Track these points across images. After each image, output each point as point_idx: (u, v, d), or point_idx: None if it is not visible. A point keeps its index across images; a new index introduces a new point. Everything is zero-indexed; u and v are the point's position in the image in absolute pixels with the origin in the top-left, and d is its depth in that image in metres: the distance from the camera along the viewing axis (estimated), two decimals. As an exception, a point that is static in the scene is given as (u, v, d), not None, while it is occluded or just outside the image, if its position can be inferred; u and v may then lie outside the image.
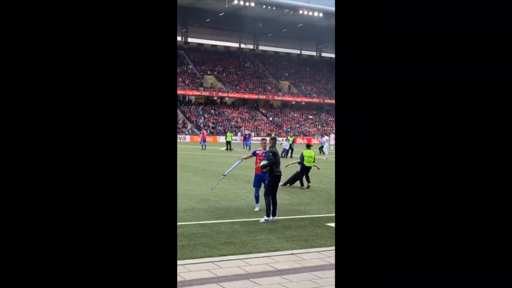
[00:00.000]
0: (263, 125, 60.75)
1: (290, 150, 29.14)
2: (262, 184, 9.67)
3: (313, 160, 14.57)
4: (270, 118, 63.36)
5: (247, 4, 55.20)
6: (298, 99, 68.19)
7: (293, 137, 34.89)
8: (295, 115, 66.83)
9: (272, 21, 62.64)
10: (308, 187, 14.15)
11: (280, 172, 9.05)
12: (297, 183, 14.66)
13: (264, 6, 57.68)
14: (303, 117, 66.98)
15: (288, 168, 14.98)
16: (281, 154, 29.79)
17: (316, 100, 69.33)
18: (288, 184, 14.31)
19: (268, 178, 9.00)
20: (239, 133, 49.42)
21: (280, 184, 14.19)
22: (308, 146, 15.48)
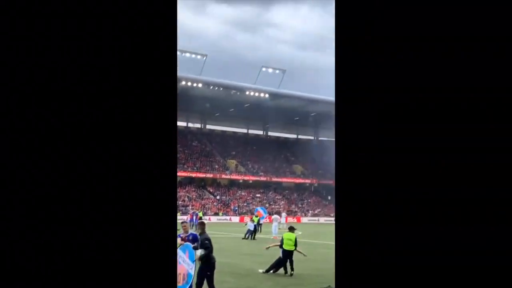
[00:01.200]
0: (210, 203, 60.81)
1: (255, 231, 28.35)
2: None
3: (293, 243, 13.14)
4: (218, 197, 63.43)
5: (194, 85, 56.20)
6: (246, 178, 68.43)
7: (258, 217, 33.63)
8: (243, 193, 67.09)
9: (219, 101, 63.58)
10: (291, 274, 12.71)
11: (215, 259, 8.13)
12: (282, 269, 13.16)
13: (211, 87, 58.62)
14: (251, 195, 67.13)
15: (269, 251, 13.89)
16: (245, 236, 29.01)
17: (263, 178, 69.98)
18: (272, 271, 13.01)
19: (204, 267, 7.86)
20: (189, 213, 49.29)
21: (261, 271, 13.44)
22: (291, 228, 14.14)
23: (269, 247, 14.89)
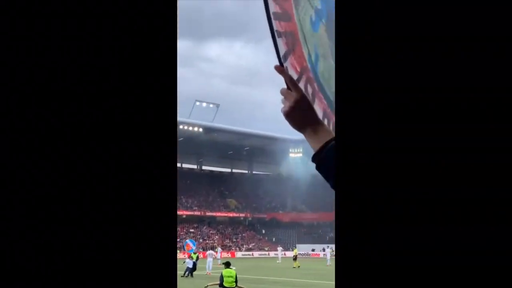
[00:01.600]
0: (142, 240, 60.61)
1: (194, 269, 27.47)
2: None
3: (234, 280, 12.65)
4: (150, 233, 63.20)
5: (126, 119, 56.21)
6: (179, 212, 67.65)
7: (197, 253, 32.44)
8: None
9: (152, 135, 63.61)
10: None
11: None
12: None
13: (143, 120, 58.74)
14: (184, 230, 66.40)
15: None
16: (184, 273, 27.96)
17: (197, 213, 68.93)
18: None
19: None
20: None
21: None
22: (227, 264, 13.55)
23: (208, 285, 14.53)
